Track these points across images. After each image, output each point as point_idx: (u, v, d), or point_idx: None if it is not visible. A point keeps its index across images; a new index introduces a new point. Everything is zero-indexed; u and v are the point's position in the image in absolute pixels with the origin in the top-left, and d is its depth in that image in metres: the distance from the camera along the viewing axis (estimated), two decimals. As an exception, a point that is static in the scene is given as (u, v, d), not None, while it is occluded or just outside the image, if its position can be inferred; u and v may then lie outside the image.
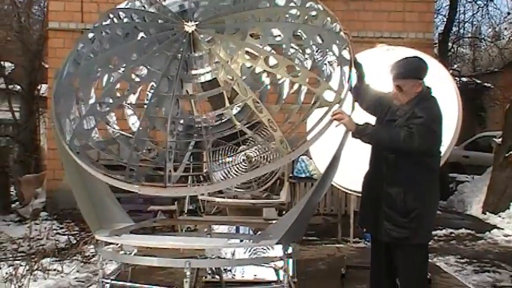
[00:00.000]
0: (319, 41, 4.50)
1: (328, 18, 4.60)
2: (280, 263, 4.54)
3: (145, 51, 4.46)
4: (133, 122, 4.69)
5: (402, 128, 4.51)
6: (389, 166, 4.61)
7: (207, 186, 4.27)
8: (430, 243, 5.02)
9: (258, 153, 5.10)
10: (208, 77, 4.60)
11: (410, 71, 4.69)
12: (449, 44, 22.83)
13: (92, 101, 4.40)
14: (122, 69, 4.50)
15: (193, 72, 4.57)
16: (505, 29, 25.52)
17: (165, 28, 4.54)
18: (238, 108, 4.61)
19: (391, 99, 4.78)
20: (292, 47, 4.64)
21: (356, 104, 4.73)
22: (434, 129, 4.56)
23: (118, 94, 4.60)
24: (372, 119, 4.88)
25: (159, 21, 4.63)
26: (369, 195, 4.87)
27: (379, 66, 5.64)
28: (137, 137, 4.21)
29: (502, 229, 11.47)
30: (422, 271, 4.84)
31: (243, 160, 5.24)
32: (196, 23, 4.37)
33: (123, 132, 4.49)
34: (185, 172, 4.63)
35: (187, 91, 4.69)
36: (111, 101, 4.45)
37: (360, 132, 4.48)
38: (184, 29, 4.35)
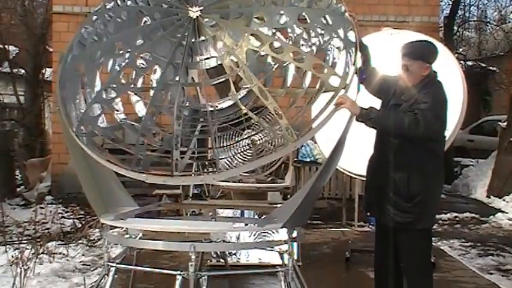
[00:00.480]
0: (325, 23, 4.48)
1: (334, 0, 4.56)
2: (284, 247, 4.53)
3: (149, 37, 4.43)
4: (140, 110, 4.68)
5: (407, 114, 4.48)
6: (393, 151, 4.59)
7: (213, 175, 4.27)
8: (434, 227, 5.02)
9: (263, 137, 5.08)
10: (213, 63, 4.59)
11: (419, 53, 4.67)
12: (455, 28, 22.72)
13: (97, 88, 4.39)
14: (127, 55, 4.49)
15: (199, 58, 4.55)
16: (511, 12, 25.40)
17: (169, 13, 4.49)
18: (244, 92, 4.61)
19: (397, 82, 4.75)
20: (297, 32, 4.61)
21: (362, 86, 4.70)
22: (439, 115, 4.52)
23: (123, 81, 4.59)
24: (377, 103, 4.87)
25: (164, 5, 4.60)
26: (374, 180, 4.86)
27: (384, 50, 5.63)
28: (143, 124, 4.20)
29: (507, 213, 11.47)
30: (426, 255, 4.84)
31: (248, 144, 5.23)
32: (201, 8, 4.31)
33: (129, 121, 4.49)
34: (191, 159, 4.63)
35: (192, 78, 4.67)
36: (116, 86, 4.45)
37: (364, 116, 4.45)
38: (189, 15, 4.30)
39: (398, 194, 4.57)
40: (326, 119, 4.05)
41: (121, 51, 4.52)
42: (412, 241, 4.66)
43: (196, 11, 4.29)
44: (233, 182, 6.45)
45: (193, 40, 4.42)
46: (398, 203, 4.57)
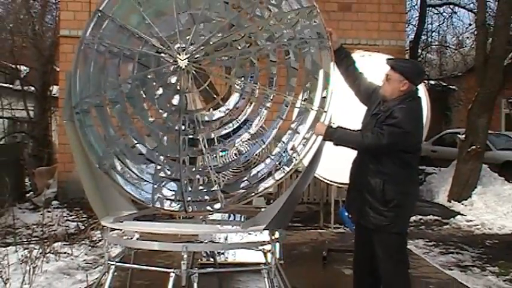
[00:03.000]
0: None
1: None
2: (268, 247, 4.52)
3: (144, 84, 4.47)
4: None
5: (374, 129, 4.43)
6: (372, 158, 4.55)
7: (221, 204, 4.26)
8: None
9: (248, 148, 5.03)
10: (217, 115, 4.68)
11: (401, 67, 4.54)
12: (419, 51, 22.94)
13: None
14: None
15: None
16: (467, 38, 25.69)
17: (160, 62, 4.45)
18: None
19: (379, 92, 4.67)
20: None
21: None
22: (407, 130, 4.43)
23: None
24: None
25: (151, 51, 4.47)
26: (355, 182, 4.74)
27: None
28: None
29: (465, 215, 11.53)
30: (401, 257, 4.70)
31: (235, 154, 5.17)
32: (188, 56, 4.12)
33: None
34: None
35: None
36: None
37: (329, 135, 4.38)
38: (179, 64, 4.14)
39: (375, 198, 4.49)
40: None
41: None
42: (387, 243, 4.55)
43: (184, 60, 4.15)
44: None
45: (186, 88, 4.40)
46: (375, 206, 4.48)
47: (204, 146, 4.39)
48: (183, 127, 4.36)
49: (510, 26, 13.10)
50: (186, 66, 4.13)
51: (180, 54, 4.14)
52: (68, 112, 4.38)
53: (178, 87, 4.37)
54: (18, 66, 18.60)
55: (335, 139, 4.42)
